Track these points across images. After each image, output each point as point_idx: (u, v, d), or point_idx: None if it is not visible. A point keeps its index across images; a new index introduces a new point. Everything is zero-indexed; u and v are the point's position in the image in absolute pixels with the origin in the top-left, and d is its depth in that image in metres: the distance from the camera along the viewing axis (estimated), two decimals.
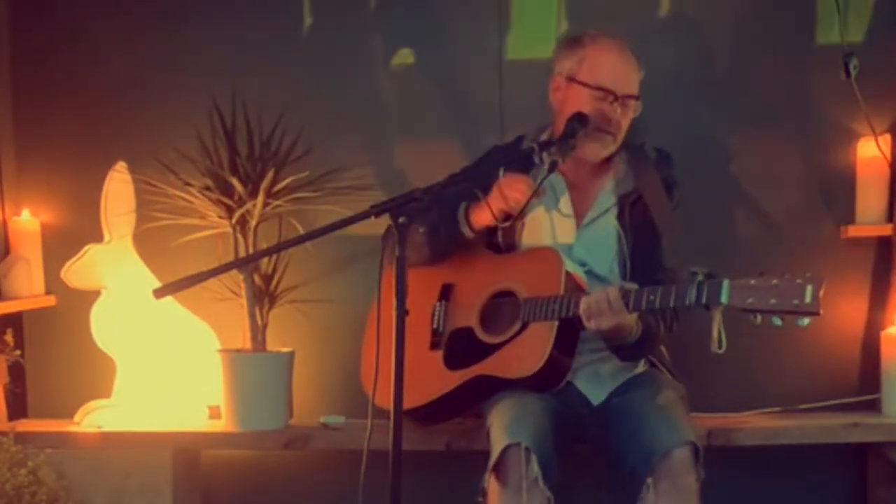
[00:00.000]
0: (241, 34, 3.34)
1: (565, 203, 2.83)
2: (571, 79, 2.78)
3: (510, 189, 2.71)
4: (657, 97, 3.08)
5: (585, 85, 2.75)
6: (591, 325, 2.55)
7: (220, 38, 3.35)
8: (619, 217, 2.79)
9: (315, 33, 3.36)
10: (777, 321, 2.30)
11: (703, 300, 2.39)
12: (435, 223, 2.81)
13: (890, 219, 3.16)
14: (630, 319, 2.56)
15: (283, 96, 3.25)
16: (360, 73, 3.36)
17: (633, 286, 2.53)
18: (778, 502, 3.28)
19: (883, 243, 3.21)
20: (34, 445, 3.02)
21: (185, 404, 3.25)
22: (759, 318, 2.32)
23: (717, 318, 2.38)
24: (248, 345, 3.12)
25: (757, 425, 3.09)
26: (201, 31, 3.35)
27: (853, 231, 3.18)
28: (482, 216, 2.77)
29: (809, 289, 2.26)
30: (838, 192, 3.22)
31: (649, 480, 2.45)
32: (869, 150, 3.16)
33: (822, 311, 2.25)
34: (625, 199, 2.79)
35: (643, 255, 2.74)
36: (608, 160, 2.84)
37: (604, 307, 2.51)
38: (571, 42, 2.82)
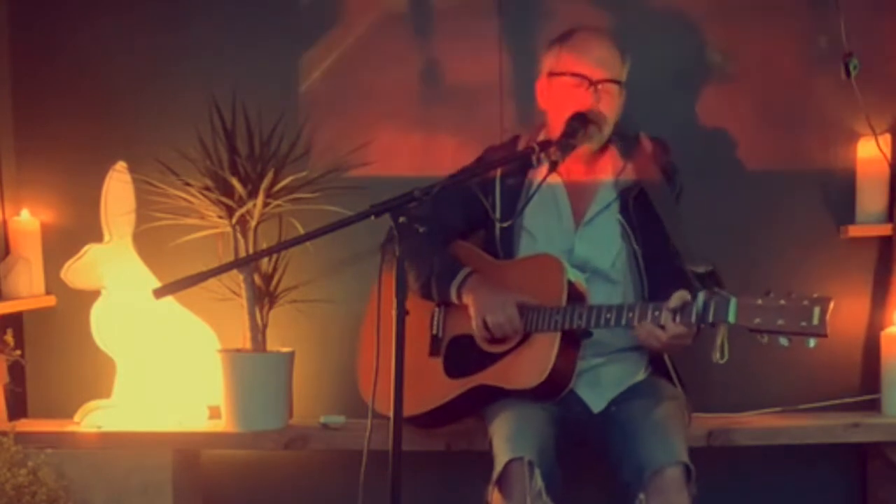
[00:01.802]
0: (241, 34, 3.34)
1: (563, 204, 2.82)
2: (551, 74, 2.77)
3: (497, 330, 2.68)
4: (657, 97, 3.10)
5: (561, 74, 2.74)
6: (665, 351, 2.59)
7: (219, 38, 3.34)
8: (623, 212, 2.77)
9: (315, 33, 3.36)
10: (784, 341, 2.30)
11: (710, 318, 2.40)
12: (428, 279, 2.80)
13: (890, 219, 3.16)
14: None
15: (283, 96, 3.25)
16: (359, 73, 3.35)
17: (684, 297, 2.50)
18: (778, 502, 3.28)
19: (883, 243, 3.21)
20: (34, 445, 3.01)
21: (185, 404, 3.25)
22: (766, 338, 2.32)
23: (723, 328, 2.38)
24: (248, 345, 3.12)
25: (757, 425, 3.09)
26: (201, 31, 3.35)
27: (853, 231, 3.18)
28: (468, 301, 2.74)
29: (817, 310, 2.26)
30: (838, 192, 3.22)
31: (641, 496, 2.46)
32: (869, 150, 3.16)
33: (828, 333, 2.26)
34: (627, 194, 2.78)
35: (657, 247, 2.73)
36: (602, 153, 2.82)
37: (683, 335, 2.49)
38: (552, 41, 2.81)
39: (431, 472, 3.13)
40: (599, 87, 2.72)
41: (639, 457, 2.50)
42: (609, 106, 2.74)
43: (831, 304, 2.26)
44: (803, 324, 2.26)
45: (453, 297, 2.77)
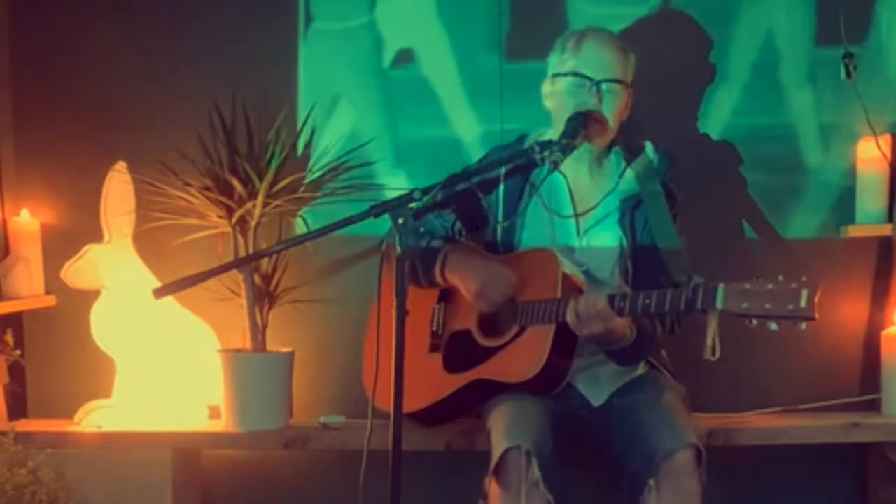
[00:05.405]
0: (241, 34, 3.34)
1: (566, 203, 2.82)
2: (555, 75, 2.79)
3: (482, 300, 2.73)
4: (658, 98, 3.09)
5: (563, 75, 2.75)
6: (580, 331, 2.55)
7: (220, 39, 3.34)
8: (621, 221, 2.78)
9: (315, 33, 3.36)
10: (773, 326, 2.29)
11: (699, 305, 2.39)
12: (414, 266, 2.80)
13: (890, 219, 3.16)
14: (622, 324, 2.56)
15: (283, 96, 3.25)
16: (359, 73, 3.35)
17: (626, 290, 2.54)
18: (778, 502, 3.28)
19: (883, 243, 3.21)
20: (34, 445, 3.02)
21: (185, 404, 3.25)
22: (754, 322, 2.31)
23: (713, 325, 2.37)
24: (248, 345, 3.12)
25: (757, 425, 3.09)
26: (201, 30, 3.35)
27: (853, 231, 3.18)
28: (454, 280, 2.77)
29: (805, 293, 2.25)
30: (838, 192, 3.23)
31: (651, 482, 2.45)
32: (869, 150, 3.15)
33: (817, 316, 2.24)
34: (626, 204, 2.79)
35: (646, 260, 2.74)
36: (606, 158, 2.83)
37: (592, 314, 2.51)
38: (557, 45, 2.82)
39: (431, 472, 3.13)
40: (602, 86, 2.73)
41: (647, 443, 2.50)
42: (612, 106, 2.75)
43: (820, 287, 2.25)
44: (791, 307, 2.25)
45: (437, 276, 2.79)
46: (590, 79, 2.72)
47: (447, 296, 2.88)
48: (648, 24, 3.25)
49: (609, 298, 2.52)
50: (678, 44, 3.27)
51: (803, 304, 2.24)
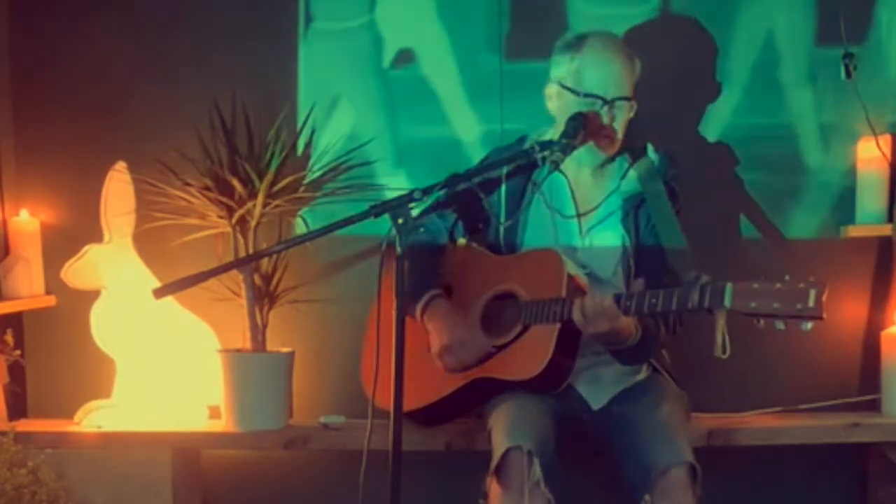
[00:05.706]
0: (241, 34, 3.34)
1: (568, 203, 2.82)
2: (562, 85, 2.78)
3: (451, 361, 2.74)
4: (658, 98, 3.09)
5: (574, 92, 2.75)
6: (586, 329, 2.55)
7: (220, 38, 3.34)
8: (624, 221, 2.79)
9: (315, 33, 3.36)
10: (780, 325, 2.29)
11: (706, 304, 2.38)
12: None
13: (890, 219, 3.16)
14: (628, 323, 2.55)
15: (283, 96, 3.25)
16: (359, 73, 3.35)
17: (639, 286, 2.53)
18: (778, 502, 3.28)
19: (883, 243, 3.21)
20: (34, 445, 3.02)
21: (185, 404, 3.25)
22: (762, 322, 2.31)
23: (721, 322, 2.37)
24: (248, 345, 3.12)
25: (757, 425, 3.09)
26: (201, 30, 3.35)
27: (853, 231, 3.18)
28: (429, 326, 2.78)
29: (813, 293, 2.25)
30: (838, 192, 3.23)
31: (647, 497, 2.46)
32: (869, 150, 3.15)
33: (825, 316, 2.24)
34: (629, 203, 2.79)
35: (649, 259, 2.74)
36: (610, 161, 2.84)
37: (599, 312, 2.51)
38: (564, 47, 2.81)
39: (431, 472, 3.13)
40: (615, 105, 2.73)
41: (644, 458, 2.50)
42: (622, 119, 2.76)
43: (827, 287, 2.25)
44: (799, 306, 2.25)
45: (417, 312, 2.79)
46: (602, 98, 2.72)
47: (449, 296, 2.87)
48: (651, 26, 3.25)
49: (616, 297, 2.51)
50: (682, 48, 3.27)
51: (811, 303, 2.25)
